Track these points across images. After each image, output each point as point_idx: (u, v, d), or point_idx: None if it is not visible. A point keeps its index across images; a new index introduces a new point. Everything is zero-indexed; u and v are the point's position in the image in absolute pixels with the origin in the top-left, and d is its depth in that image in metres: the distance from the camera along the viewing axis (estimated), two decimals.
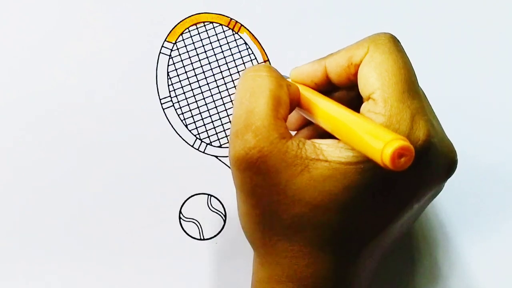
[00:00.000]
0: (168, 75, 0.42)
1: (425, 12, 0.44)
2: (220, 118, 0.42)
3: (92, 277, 0.40)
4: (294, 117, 0.38)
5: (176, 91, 0.42)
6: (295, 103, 0.34)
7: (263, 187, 0.31)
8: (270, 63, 0.43)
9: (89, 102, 0.42)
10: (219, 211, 0.41)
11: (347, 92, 0.36)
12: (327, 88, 0.35)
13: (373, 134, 0.28)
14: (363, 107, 0.32)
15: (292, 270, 0.32)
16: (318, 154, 0.30)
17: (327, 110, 0.32)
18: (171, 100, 0.42)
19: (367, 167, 0.30)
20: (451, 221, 0.42)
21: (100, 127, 0.42)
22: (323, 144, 0.31)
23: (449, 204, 0.42)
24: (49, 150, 0.41)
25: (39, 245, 0.40)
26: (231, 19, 0.43)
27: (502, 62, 0.44)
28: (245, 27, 0.43)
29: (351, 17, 0.44)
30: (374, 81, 0.31)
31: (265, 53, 0.43)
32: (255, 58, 0.43)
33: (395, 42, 0.33)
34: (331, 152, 0.30)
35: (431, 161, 0.32)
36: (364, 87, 0.32)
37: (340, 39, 0.44)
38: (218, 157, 0.42)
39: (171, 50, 0.43)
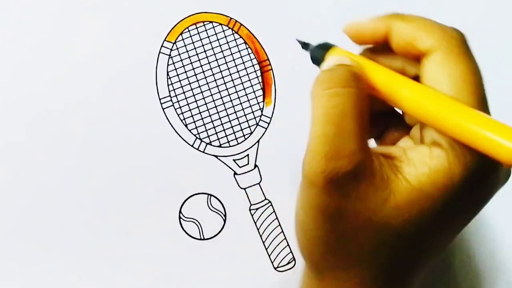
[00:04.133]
0: (168, 75, 0.42)
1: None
2: (220, 118, 0.42)
3: (92, 277, 0.40)
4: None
5: (175, 90, 0.42)
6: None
7: (351, 212, 0.29)
8: (270, 62, 0.43)
9: (88, 102, 0.42)
10: (219, 211, 0.41)
11: (403, 59, 0.32)
12: (382, 46, 0.32)
13: (499, 131, 0.26)
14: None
15: None
16: (396, 173, 0.29)
17: (429, 100, 0.29)
18: (171, 100, 0.42)
19: (445, 184, 0.28)
20: None
21: (100, 127, 0.42)
22: (396, 160, 0.29)
23: None
24: (49, 150, 0.41)
25: (38, 245, 0.40)
26: (231, 18, 0.43)
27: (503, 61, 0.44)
28: (244, 26, 0.43)
29: (350, 14, 0.44)
30: (447, 89, 0.29)
31: (265, 52, 0.43)
32: (255, 57, 0.43)
33: (467, 44, 0.30)
34: (408, 170, 0.28)
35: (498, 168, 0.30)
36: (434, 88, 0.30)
37: (340, 38, 0.44)
38: (218, 157, 0.42)
39: (171, 49, 0.43)
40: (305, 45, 0.35)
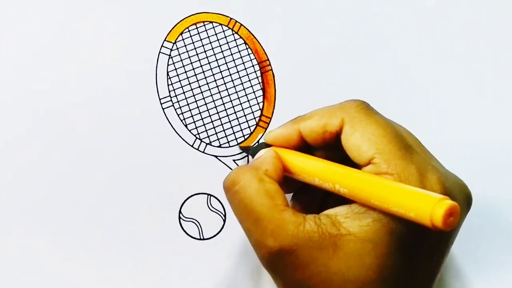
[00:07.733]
0: (168, 75, 0.42)
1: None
2: (219, 118, 0.42)
3: (92, 277, 0.40)
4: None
5: (175, 91, 0.42)
6: (281, 174, 0.34)
7: (308, 280, 0.30)
8: (270, 63, 0.43)
9: (89, 102, 0.42)
10: (219, 211, 0.41)
11: (325, 152, 0.35)
12: (305, 148, 0.35)
13: (416, 196, 0.28)
14: (365, 171, 0.32)
15: None
16: (338, 229, 0.30)
17: (345, 175, 0.31)
18: (171, 100, 0.42)
19: (392, 228, 0.29)
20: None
21: (100, 127, 0.42)
22: (338, 215, 0.30)
23: None
24: (49, 150, 0.41)
25: (38, 245, 0.40)
26: (231, 18, 0.43)
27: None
28: (244, 27, 0.43)
29: (350, 15, 0.44)
30: (367, 149, 0.31)
31: (265, 52, 0.43)
32: (255, 58, 0.43)
33: (367, 107, 0.33)
34: (350, 223, 0.30)
35: None
36: (358, 157, 0.32)
37: (339, 39, 0.44)
38: (218, 157, 0.42)
39: (171, 50, 0.43)
40: (246, 149, 0.41)
